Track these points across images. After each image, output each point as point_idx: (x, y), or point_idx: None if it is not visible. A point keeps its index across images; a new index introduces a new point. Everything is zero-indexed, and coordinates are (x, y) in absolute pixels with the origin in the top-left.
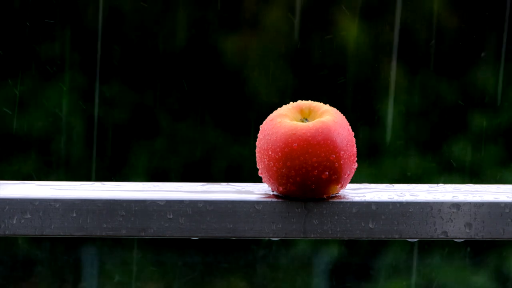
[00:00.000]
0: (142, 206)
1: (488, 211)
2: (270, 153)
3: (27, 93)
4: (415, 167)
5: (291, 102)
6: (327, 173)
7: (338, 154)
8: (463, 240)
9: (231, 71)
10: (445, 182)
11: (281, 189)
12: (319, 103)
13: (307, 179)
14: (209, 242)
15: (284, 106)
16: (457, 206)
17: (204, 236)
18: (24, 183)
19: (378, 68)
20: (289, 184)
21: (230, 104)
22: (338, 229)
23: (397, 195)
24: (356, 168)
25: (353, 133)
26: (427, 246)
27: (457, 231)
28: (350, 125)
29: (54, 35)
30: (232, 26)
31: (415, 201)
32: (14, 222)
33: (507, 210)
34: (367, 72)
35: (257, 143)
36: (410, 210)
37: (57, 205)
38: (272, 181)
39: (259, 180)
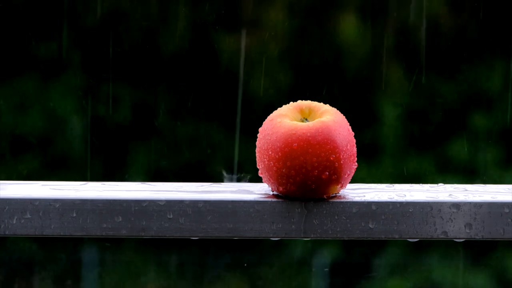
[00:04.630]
0: (142, 206)
1: (488, 211)
2: (270, 153)
3: (27, 93)
4: (415, 167)
5: (291, 102)
6: (327, 173)
7: (338, 154)
8: (463, 240)
9: (230, 71)
10: (445, 182)
11: (281, 189)
12: (319, 103)
13: (307, 179)
14: (209, 242)
15: (284, 106)
16: (457, 206)
17: (204, 236)
18: (24, 183)
19: (377, 68)
20: (289, 184)
21: (230, 104)
22: (338, 229)
23: (397, 195)
24: (356, 168)
25: (353, 133)
26: (427, 246)
27: (457, 231)
28: (350, 125)
29: (54, 35)
30: (232, 26)
31: (415, 201)
32: (14, 222)
33: (507, 210)
34: (366, 72)
35: (257, 143)
36: (410, 210)
37: (57, 205)
38: (272, 181)
39: (259, 180)
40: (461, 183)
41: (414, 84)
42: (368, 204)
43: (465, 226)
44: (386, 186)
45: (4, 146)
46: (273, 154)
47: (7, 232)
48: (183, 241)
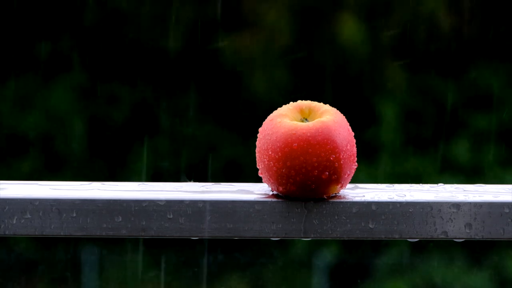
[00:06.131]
0: (142, 206)
1: (488, 211)
2: (270, 153)
3: (27, 93)
4: (415, 167)
5: (291, 102)
6: (327, 173)
7: (338, 154)
8: (463, 240)
9: (231, 71)
10: (445, 182)
11: (281, 189)
12: (319, 103)
13: (307, 179)
14: (209, 242)
15: (284, 106)
16: (457, 206)
17: (204, 236)
18: (24, 183)
19: (378, 68)
20: (289, 184)
21: (230, 104)
22: (338, 229)
23: (397, 195)
24: (356, 168)
25: (353, 133)
26: (427, 246)
27: (457, 231)
28: (350, 125)
29: (54, 35)
30: (232, 26)
31: (415, 201)
32: (14, 222)
33: (507, 210)
34: (367, 71)
35: (257, 143)
36: (410, 210)
37: (57, 205)
38: (272, 181)
39: (259, 180)
40: (461, 183)
41: (414, 84)
42: (368, 204)
43: (465, 226)
44: (386, 186)
45: (4, 146)
46: (273, 154)
47: (7, 232)
48: (182, 241)
